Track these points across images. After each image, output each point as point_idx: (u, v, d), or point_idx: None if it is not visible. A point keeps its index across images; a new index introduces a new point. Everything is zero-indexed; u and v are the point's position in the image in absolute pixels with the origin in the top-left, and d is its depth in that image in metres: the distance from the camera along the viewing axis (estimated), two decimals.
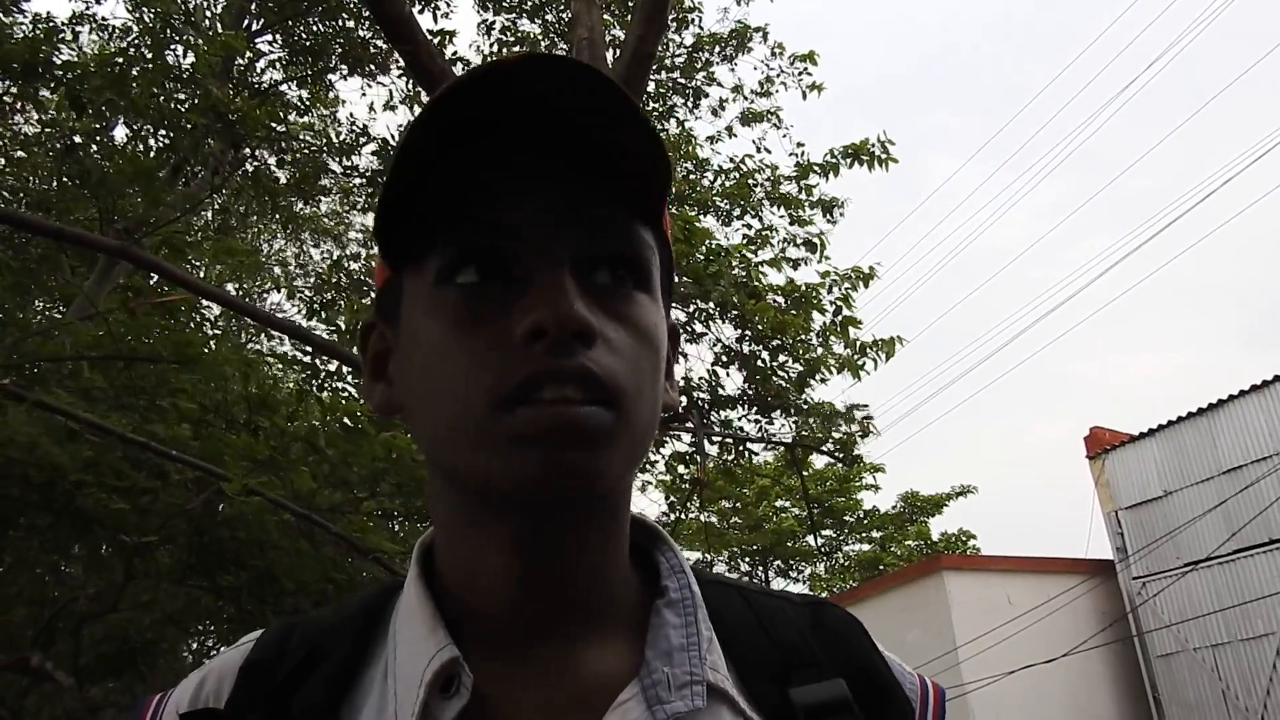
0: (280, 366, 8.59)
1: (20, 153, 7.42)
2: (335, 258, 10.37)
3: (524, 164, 0.68)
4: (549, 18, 8.59)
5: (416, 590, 0.74)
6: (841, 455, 7.50)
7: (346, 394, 6.93)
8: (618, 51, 6.03)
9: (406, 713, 0.67)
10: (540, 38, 8.69)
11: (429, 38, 5.19)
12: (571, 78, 0.64)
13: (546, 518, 0.69)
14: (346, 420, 5.66)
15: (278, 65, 9.06)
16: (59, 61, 5.13)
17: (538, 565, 0.71)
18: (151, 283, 5.87)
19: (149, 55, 5.79)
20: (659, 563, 0.80)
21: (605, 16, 7.76)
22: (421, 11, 8.05)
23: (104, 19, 7.61)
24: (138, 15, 6.87)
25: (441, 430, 0.69)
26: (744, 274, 7.10)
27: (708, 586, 0.80)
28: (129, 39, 6.97)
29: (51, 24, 5.84)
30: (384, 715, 0.69)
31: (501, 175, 0.68)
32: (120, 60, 5.18)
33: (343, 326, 7.96)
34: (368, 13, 7.34)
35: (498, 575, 0.71)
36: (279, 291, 11.65)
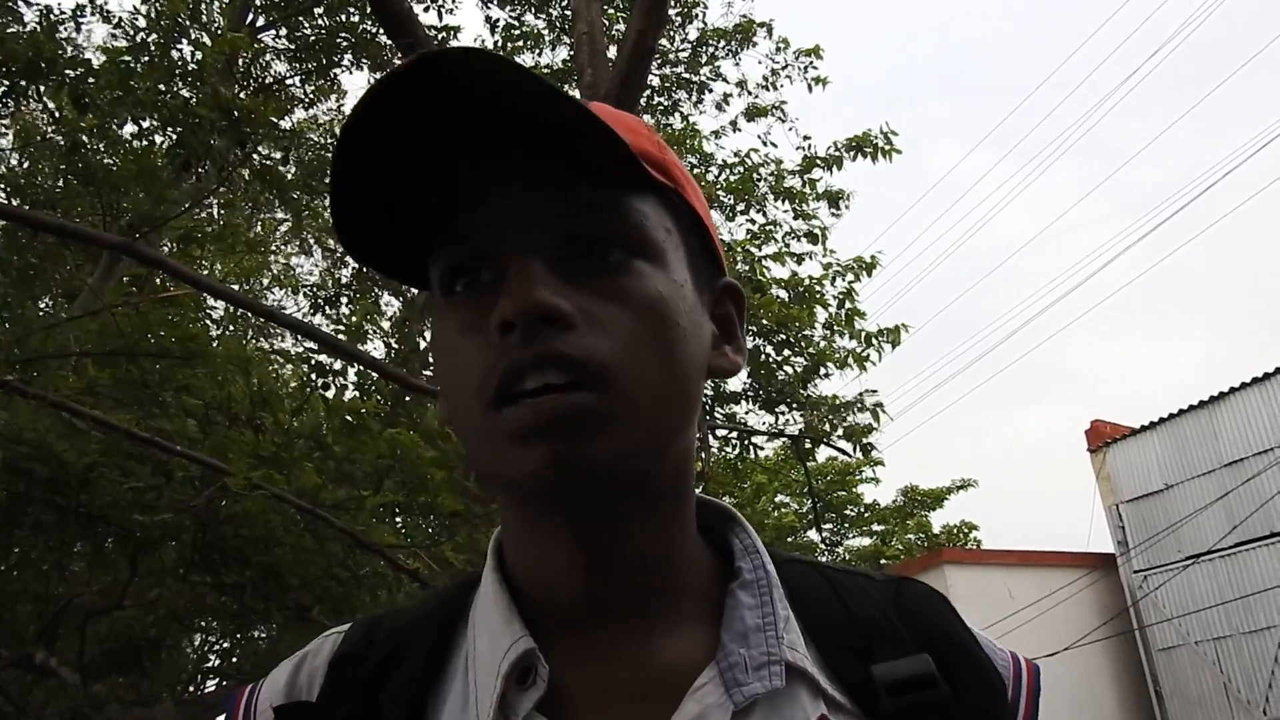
0: (282, 361, 8.59)
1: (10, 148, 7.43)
2: (339, 254, 10.37)
3: (485, 162, 0.69)
4: (553, 13, 8.56)
5: (492, 583, 0.75)
6: (851, 446, 7.47)
7: (349, 389, 6.93)
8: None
9: (486, 704, 0.68)
10: (545, 32, 8.67)
11: (428, 33, 5.20)
12: (478, 66, 0.63)
13: (581, 507, 0.69)
14: (349, 418, 5.65)
15: (282, 57, 9.05)
16: (62, 59, 5.11)
17: (595, 554, 0.71)
18: (156, 279, 5.87)
19: (154, 51, 5.77)
20: (732, 544, 0.79)
21: (609, 9, 7.74)
22: (426, 9, 8.06)
23: (108, 10, 7.63)
24: (146, 9, 6.86)
25: (462, 439, 0.70)
26: (748, 269, 7.09)
27: (785, 566, 0.79)
28: (136, 34, 6.96)
29: (53, 20, 5.82)
30: (466, 707, 0.70)
31: (470, 178, 0.69)
32: (127, 58, 5.17)
33: (346, 324, 7.96)
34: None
35: (560, 566, 0.71)
36: (282, 289, 11.64)
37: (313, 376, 6.54)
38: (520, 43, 8.60)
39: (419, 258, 0.73)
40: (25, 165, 7.53)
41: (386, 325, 7.78)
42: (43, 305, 7.60)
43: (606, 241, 0.68)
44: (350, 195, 0.68)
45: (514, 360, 0.64)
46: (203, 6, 7.27)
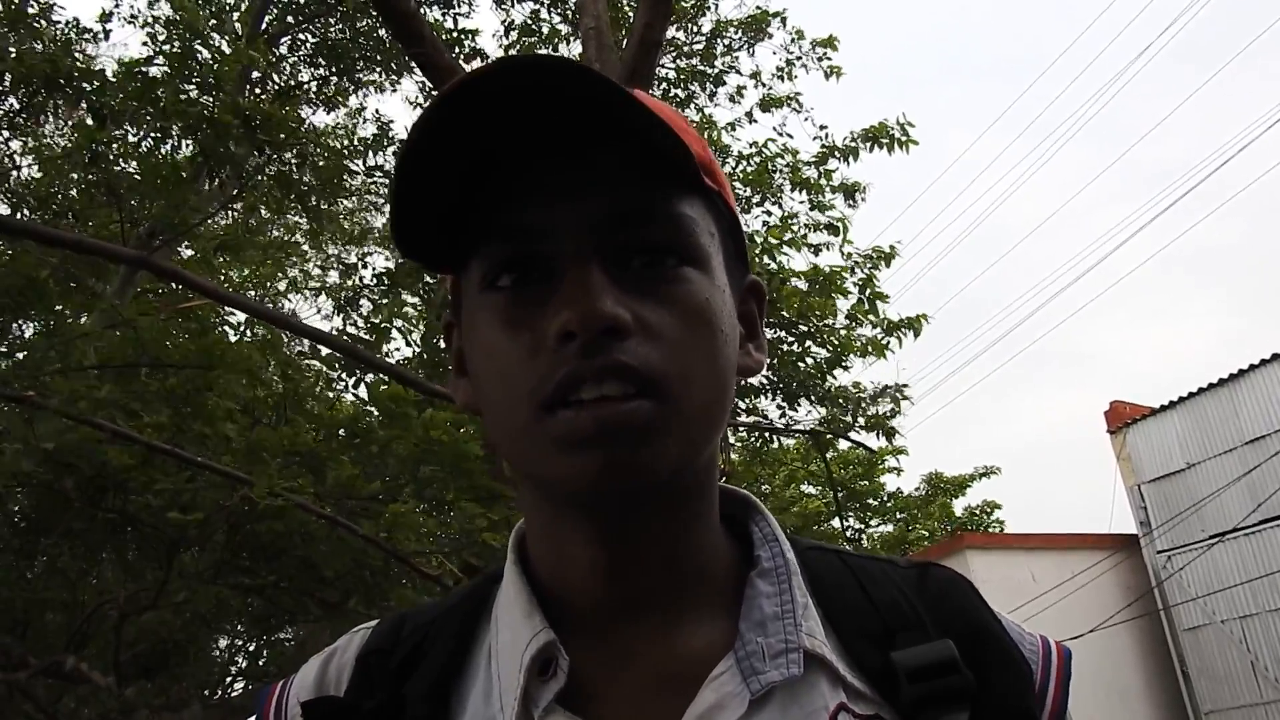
0: (306, 355, 8.61)
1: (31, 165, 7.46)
2: (357, 255, 10.42)
3: (544, 162, 0.69)
4: (568, 5, 8.50)
5: (514, 578, 0.76)
6: (873, 436, 7.42)
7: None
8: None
9: (510, 696, 0.69)
10: (561, 27, 8.62)
11: (434, 33, 5.18)
12: (549, 72, 0.64)
13: (618, 512, 0.70)
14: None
15: (303, 63, 9.08)
16: (79, 72, 5.12)
17: (621, 555, 0.71)
18: (176, 288, 5.90)
19: (173, 57, 5.78)
20: (752, 532, 0.80)
21: (619, 1, 7.69)
22: (444, 14, 8.04)
23: (135, 14, 7.67)
24: (167, 17, 6.91)
25: (499, 433, 0.71)
26: (769, 261, 7.06)
27: (807, 552, 0.80)
28: (157, 33, 6.99)
29: (68, 35, 5.83)
30: (489, 698, 0.71)
31: (526, 176, 0.69)
32: (146, 67, 5.18)
33: (362, 324, 7.96)
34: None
35: (584, 565, 0.72)
36: (299, 293, 11.68)
37: (342, 375, 6.56)
38: (532, 38, 8.57)
39: (459, 248, 0.73)
40: (45, 177, 7.57)
41: (404, 324, 7.78)
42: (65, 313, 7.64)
43: (661, 249, 0.69)
44: (413, 188, 0.68)
45: (574, 370, 0.64)
46: (223, 14, 7.31)
